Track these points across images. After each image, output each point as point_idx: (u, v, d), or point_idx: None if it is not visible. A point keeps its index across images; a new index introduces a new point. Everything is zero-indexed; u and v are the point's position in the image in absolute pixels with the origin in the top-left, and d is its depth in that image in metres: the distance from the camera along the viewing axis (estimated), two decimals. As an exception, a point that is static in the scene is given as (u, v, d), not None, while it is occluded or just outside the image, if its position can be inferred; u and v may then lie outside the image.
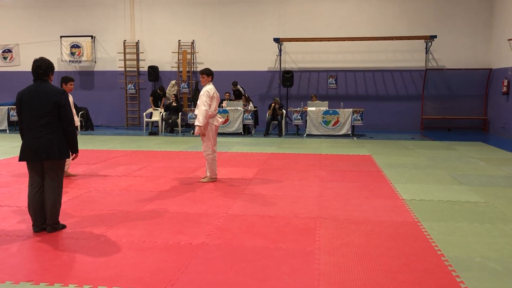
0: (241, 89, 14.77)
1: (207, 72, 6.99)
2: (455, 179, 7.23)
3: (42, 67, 4.45)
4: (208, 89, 6.85)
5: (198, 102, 6.88)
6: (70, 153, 4.64)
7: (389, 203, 5.75)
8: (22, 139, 4.51)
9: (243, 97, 14.34)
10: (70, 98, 6.21)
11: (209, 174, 7.07)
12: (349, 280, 3.50)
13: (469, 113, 15.01)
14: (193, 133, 6.89)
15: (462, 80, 14.87)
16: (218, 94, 6.99)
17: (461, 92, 14.98)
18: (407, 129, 15.18)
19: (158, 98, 14.98)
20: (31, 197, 4.49)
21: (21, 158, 4.44)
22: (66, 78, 7.07)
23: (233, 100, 14.28)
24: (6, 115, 14.66)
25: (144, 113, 14.78)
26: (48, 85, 4.47)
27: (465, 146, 11.16)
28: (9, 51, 16.70)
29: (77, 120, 7.75)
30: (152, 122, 14.73)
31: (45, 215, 4.51)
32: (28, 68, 5.16)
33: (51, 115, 4.37)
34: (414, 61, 15.12)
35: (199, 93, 6.94)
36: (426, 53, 14.85)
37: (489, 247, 4.20)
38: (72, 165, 7.74)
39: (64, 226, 4.69)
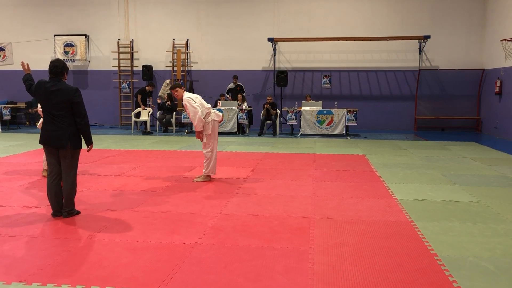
0: (242, 86, 14.77)
1: (174, 86, 7.24)
2: (448, 179, 7.27)
3: (59, 66, 4.91)
4: (187, 97, 6.97)
5: (187, 111, 6.95)
6: (87, 145, 5.17)
7: (382, 203, 5.78)
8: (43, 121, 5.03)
9: (240, 95, 14.27)
10: None
11: (206, 172, 7.03)
12: (342, 279, 3.51)
13: (462, 113, 15.10)
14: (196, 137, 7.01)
15: (455, 80, 14.95)
16: (197, 95, 7.16)
17: (454, 92, 15.06)
18: (400, 129, 15.24)
19: (147, 96, 14.83)
20: (49, 185, 4.99)
21: (40, 142, 4.99)
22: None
23: (229, 99, 14.22)
24: (-1, 114, 14.54)
25: (133, 113, 14.64)
26: (64, 83, 4.94)
27: (458, 146, 11.22)
28: (2, 49, 16.58)
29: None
30: (142, 121, 14.61)
31: (61, 202, 5.01)
32: (21, 67, 5.30)
33: (65, 110, 4.86)
34: (408, 61, 15.18)
35: (193, 92, 6.98)
36: (419, 53, 14.90)
37: (482, 247, 4.23)
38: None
39: (78, 212, 5.15)
